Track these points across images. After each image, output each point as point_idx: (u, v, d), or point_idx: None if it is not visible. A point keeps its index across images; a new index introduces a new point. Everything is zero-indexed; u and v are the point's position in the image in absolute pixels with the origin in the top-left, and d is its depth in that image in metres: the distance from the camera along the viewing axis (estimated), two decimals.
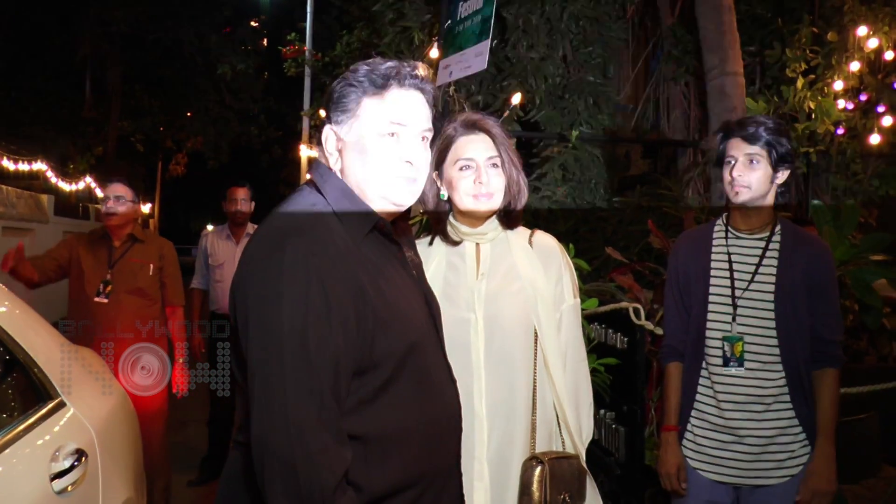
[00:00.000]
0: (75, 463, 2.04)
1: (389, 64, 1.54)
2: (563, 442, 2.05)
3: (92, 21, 18.88)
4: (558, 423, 2.04)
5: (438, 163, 2.04)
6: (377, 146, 1.50)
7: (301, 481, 1.28)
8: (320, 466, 1.30)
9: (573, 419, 2.02)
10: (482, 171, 1.98)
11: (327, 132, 1.55)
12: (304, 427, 1.30)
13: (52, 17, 18.65)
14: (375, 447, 1.43)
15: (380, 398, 1.44)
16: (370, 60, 1.56)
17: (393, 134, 1.51)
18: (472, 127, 2.02)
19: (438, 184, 2.06)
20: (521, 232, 2.10)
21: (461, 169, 1.99)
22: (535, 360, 2.00)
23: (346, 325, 1.38)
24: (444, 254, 2.06)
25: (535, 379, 2.00)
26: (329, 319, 1.36)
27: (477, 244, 2.06)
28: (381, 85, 1.51)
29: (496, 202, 2.01)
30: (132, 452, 2.69)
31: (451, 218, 2.09)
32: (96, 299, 3.84)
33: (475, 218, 2.04)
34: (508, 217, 2.07)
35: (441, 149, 2.03)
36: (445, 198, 2.05)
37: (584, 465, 2.00)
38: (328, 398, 1.34)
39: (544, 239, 2.11)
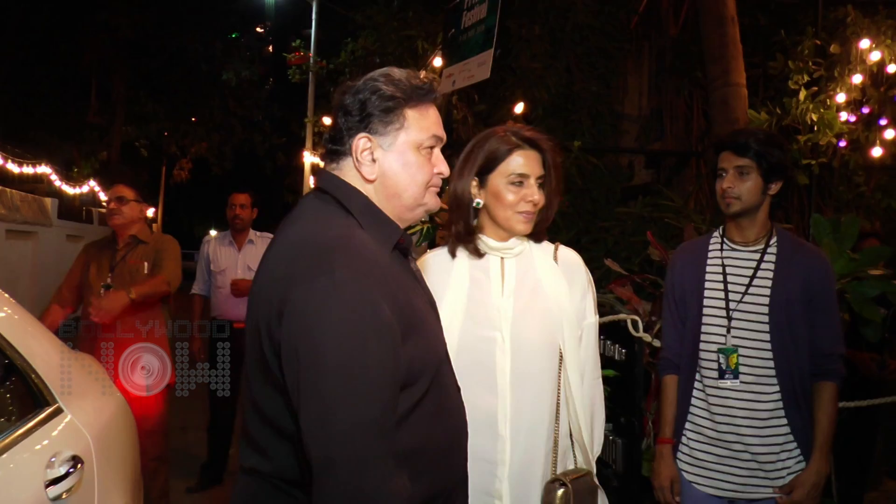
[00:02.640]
0: (71, 470, 2.04)
1: (410, 73, 1.56)
2: (574, 457, 2.03)
3: (98, 27, 18.96)
4: (570, 440, 2.03)
5: (483, 171, 1.98)
6: (419, 157, 1.54)
7: None
8: (389, 494, 1.28)
9: (588, 435, 2.00)
10: (532, 189, 1.94)
11: (361, 141, 1.51)
12: (371, 457, 1.27)
13: (59, 24, 18.72)
14: (410, 462, 1.40)
15: (413, 414, 1.43)
16: (387, 70, 1.56)
17: (432, 146, 1.56)
18: (530, 142, 1.97)
19: (476, 192, 1.99)
20: (545, 246, 2.07)
21: (512, 183, 1.94)
22: (560, 379, 1.98)
23: (395, 345, 1.36)
24: (466, 267, 2.00)
25: (558, 399, 1.98)
26: (383, 341, 1.33)
27: (501, 258, 2.01)
28: (420, 97, 1.53)
29: (533, 221, 1.98)
30: (129, 459, 2.69)
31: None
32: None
33: (507, 233, 1.99)
34: (534, 232, 2.03)
35: (490, 158, 1.96)
36: (480, 206, 2.00)
37: (596, 480, 2.00)
38: (388, 423, 1.32)
39: (569, 255, 2.08)
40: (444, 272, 1.97)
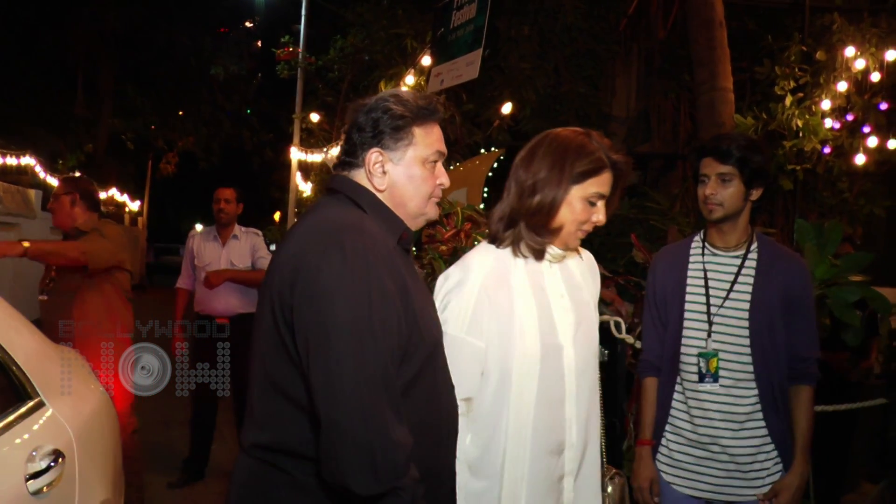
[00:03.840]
0: (52, 464, 2.03)
1: (416, 95, 1.72)
2: None
3: (86, 20, 18.82)
4: None
5: (574, 180, 1.86)
6: (424, 171, 1.69)
7: (378, 460, 1.36)
8: (395, 444, 1.38)
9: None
10: (601, 210, 1.89)
11: (374, 155, 1.66)
12: (376, 409, 1.38)
13: (46, 15, 18.57)
14: None
15: (407, 393, 1.52)
16: (396, 92, 1.73)
17: (435, 161, 1.72)
18: (617, 165, 1.89)
19: (561, 198, 1.87)
20: None
21: (589, 202, 1.87)
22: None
23: (398, 311, 1.50)
24: (523, 271, 1.92)
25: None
26: (387, 305, 1.47)
27: (549, 262, 1.96)
28: (426, 116, 1.69)
29: None
30: (111, 454, 2.68)
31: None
32: (39, 297, 3.78)
33: (561, 242, 1.93)
34: None
35: (585, 171, 1.85)
36: None
37: None
38: (391, 380, 1.44)
39: (588, 254, 2.09)
40: (505, 272, 1.90)
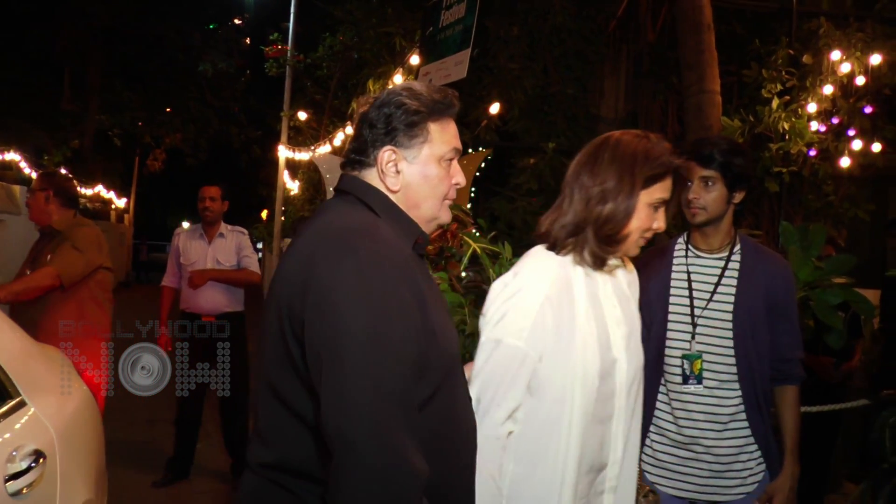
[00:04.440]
0: (32, 464, 2.02)
1: (431, 88, 1.62)
2: None
3: (73, 13, 18.69)
4: None
5: (641, 186, 1.78)
6: (440, 170, 1.60)
7: (391, 487, 1.26)
8: (410, 472, 1.28)
9: None
10: (663, 216, 1.83)
11: (387, 154, 1.56)
12: (393, 430, 1.28)
13: (33, 8, 18.43)
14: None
15: (424, 410, 1.43)
16: (409, 85, 1.62)
17: (451, 159, 1.63)
18: (679, 170, 1.83)
19: (633, 207, 1.79)
20: None
21: (653, 207, 1.80)
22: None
23: (416, 325, 1.40)
24: (582, 281, 1.83)
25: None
26: (405, 318, 1.38)
27: (604, 271, 1.90)
28: (442, 112, 1.60)
29: None
30: (94, 453, 2.66)
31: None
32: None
33: (624, 251, 1.87)
34: None
35: (651, 175, 1.78)
36: None
37: None
38: (410, 400, 1.35)
39: (631, 263, 2.03)
40: (568, 280, 1.82)
